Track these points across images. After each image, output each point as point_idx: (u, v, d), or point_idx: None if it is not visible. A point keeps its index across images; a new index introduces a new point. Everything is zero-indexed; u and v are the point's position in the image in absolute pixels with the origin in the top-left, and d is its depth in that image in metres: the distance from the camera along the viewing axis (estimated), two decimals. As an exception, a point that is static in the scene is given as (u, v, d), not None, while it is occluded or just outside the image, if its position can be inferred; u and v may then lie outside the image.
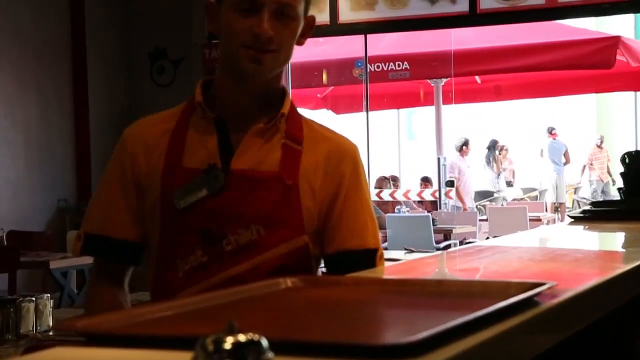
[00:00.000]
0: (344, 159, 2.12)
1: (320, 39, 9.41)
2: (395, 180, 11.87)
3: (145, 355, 1.11)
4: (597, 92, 14.03)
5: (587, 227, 2.91)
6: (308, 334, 1.17)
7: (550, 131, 15.64)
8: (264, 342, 0.91)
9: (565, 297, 1.36)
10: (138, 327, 1.28)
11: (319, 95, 12.09)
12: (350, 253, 2.09)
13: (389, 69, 9.84)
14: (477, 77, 11.76)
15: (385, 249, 6.32)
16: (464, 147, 13.14)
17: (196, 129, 2.08)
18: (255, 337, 0.90)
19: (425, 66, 10.23)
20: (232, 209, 2.02)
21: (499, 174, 15.27)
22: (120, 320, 1.32)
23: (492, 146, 15.53)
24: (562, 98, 16.16)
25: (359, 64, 8.67)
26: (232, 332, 0.90)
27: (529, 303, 1.28)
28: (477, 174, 16.51)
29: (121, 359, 1.12)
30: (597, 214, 3.02)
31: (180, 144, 2.07)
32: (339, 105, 12.37)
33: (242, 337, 0.90)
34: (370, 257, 2.10)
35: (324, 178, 2.09)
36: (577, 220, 3.06)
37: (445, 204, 10.49)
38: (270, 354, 0.91)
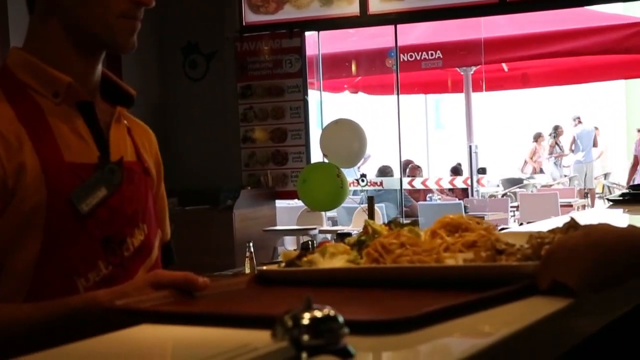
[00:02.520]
0: (157, 145, 1.96)
1: (351, 30, 9.50)
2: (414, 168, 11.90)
3: (227, 333, 1.15)
4: (626, 78, 13.87)
5: (626, 210, 2.96)
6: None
7: (576, 119, 15.62)
8: (340, 318, 0.92)
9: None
10: (193, 306, 1.36)
11: (345, 86, 12.15)
12: (167, 245, 1.95)
13: (422, 58, 9.89)
14: (504, 66, 11.75)
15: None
16: None
17: (55, 114, 1.69)
18: (332, 312, 0.92)
19: (457, 55, 10.25)
20: (127, 208, 1.74)
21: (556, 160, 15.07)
22: (156, 299, 1.38)
23: (554, 131, 15.38)
24: (590, 86, 16.09)
25: (392, 54, 8.72)
26: (309, 308, 0.92)
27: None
28: (506, 161, 16.51)
29: (205, 336, 1.16)
30: (636, 197, 3.08)
31: (48, 135, 1.66)
32: (369, 89, 12.44)
33: (318, 313, 0.91)
34: (171, 247, 1.97)
35: (151, 164, 1.90)
36: (615, 203, 3.12)
37: (477, 191, 10.53)
38: (346, 329, 0.92)
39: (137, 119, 1.94)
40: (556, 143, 15.45)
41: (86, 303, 1.53)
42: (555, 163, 15.42)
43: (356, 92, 12.48)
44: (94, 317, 1.49)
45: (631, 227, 1.35)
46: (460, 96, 11.95)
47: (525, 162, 15.66)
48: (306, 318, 0.90)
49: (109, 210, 1.69)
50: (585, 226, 1.37)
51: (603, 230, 1.31)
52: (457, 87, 12.04)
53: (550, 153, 15.55)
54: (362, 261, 1.48)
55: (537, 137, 15.70)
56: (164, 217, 1.97)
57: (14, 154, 1.60)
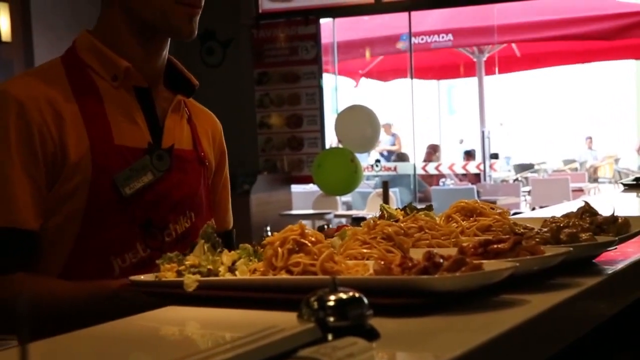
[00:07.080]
0: (222, 134, 1.99)
1: (365, 18, 9.53)
2: (435, 150, 11.92)
3: (251, 315, 1.17)
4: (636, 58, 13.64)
5: (639, 194, 2.98)
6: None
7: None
8: (365, 300, 0.94)
9: (628, 262, 1.42)
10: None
11: (360, 72, 12.16)
12: (228, 233, 1.97)
13: (433, 40, 9.95)
14: (515, 50, 11.72)
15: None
16: None
17: (112, 97, 1.73)
18: (357, 294, 0.93)
19: (469, 36, 10.29)
20: (174, 194, 1.76)
21: None
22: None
23: None
24: (601, 71, 15.94)
25: (404, 38, 8.76)
26: (335, 290, 0.93)
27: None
28: (520, 146, 16.50)
29: (231, 318, 1.18)
30: (650, 181, 3.12)
31: (102, 116, 1.70)
32: (383, 75, 12.47)
33: (344, 295, 0.93)
34: (232, 236, 1.98)
35: (214, 154, 1.94)
36: (629, 187, 3.16)
37: (489, 176, 10.55)
38: (370, 311, 0.95)
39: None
40: None
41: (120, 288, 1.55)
42: None
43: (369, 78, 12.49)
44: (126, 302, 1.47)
45: None
46: (473, 81, 11.93)
47: None
48: (332, 300, 0.92)
49: (153, 195, 1.71)
50: None
51: None
52: (469, 72, 12.04)
53: None
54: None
55: None
56: (226, 205, 2.00)
57: (65, 131, 1.63)
